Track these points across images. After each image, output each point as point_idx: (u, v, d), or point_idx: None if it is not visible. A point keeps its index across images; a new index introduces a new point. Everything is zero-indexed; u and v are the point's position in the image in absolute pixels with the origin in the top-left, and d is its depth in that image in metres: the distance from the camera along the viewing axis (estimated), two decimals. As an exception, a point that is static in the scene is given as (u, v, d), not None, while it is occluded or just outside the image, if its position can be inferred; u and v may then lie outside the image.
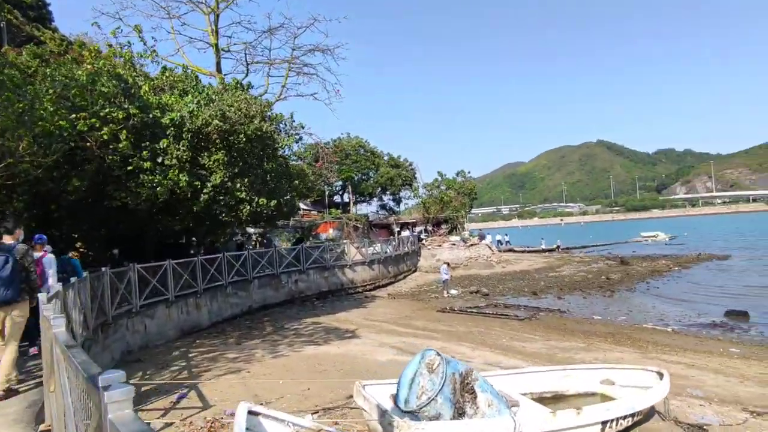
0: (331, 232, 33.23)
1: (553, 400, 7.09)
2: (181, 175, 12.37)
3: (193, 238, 19.14)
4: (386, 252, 29.59)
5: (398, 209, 44.50)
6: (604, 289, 25.69)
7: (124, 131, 11.66)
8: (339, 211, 35.66)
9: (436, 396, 5.07)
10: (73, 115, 11.28)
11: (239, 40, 27.13)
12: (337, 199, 41.67)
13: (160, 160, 12.38)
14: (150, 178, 12.02)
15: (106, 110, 11.52)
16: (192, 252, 18.63)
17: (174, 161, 12.40)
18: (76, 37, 24.98)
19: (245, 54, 25.25)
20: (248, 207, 13.85)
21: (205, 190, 13.05)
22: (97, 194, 12.99)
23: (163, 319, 14.75)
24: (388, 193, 42.70)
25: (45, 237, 8.63)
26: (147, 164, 12.11)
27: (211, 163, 13.26)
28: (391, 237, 35.51)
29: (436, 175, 43.30)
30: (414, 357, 5.65)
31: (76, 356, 2.04)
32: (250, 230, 28.74)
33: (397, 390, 5.50)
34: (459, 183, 41.78)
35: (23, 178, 10.32)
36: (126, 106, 11.87)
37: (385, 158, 42.16)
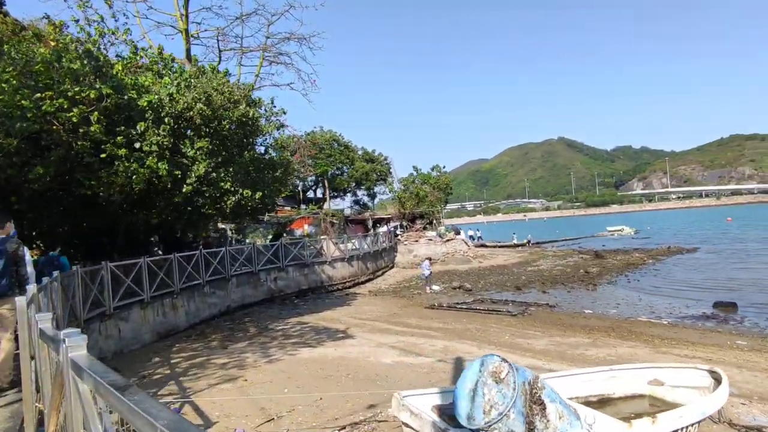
0: (306, 228, 32.12)
1: (599, 404, 6.43)
2: (160, 164, 11.18)
3: (163, 235, 17.77)
4: (365, 248, 28.71)
5: (372, 204, 43.61)
6: (585, 283, 25.56)
7: (96, 113, 10.41)
8: (316, 206, 34.48)
9: (508, 410, 4.29)
10: (38, 95, 9.96)
11: (209, 26, 25.68)
12: (309, 194, 40.42)
13: (137, 146, 11.15)
14: (126, 165, 10.79)
15: (76, 89, 10.24)
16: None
17: (153, 148, 11.20)
18: (30, 23, 23.07)
19: (217, 40, 23.84)
20: (233, 199, 12.74)
21: (188, 181, 11.88)
22: (64, 184, 11.67)
23: (138, 321, 13.51)
24: (362, 188, 41.71)
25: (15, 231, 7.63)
26: (122, 151, 10.87)
27: (193, 151, 12.10)
28: (367, 233, 34.65)
29: (408, 170, 42.68)
30: (472, 364, 4.84)
31: (157, 415, 1.15)
32: (220, 225, 27.36)
33: (455, 402, 4.69)
34: (434, 178, 41.23)
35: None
36: (98, 86, 10.61)
37: (359, 152, 41.15)
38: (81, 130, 10.32)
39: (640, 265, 32.04)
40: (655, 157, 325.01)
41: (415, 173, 41.60)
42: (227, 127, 12.84)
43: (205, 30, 24.13)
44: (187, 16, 23.24)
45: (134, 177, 10.93)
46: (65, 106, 10.15)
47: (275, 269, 21.68)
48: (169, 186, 11.59)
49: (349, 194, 41.76)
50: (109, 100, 10.74)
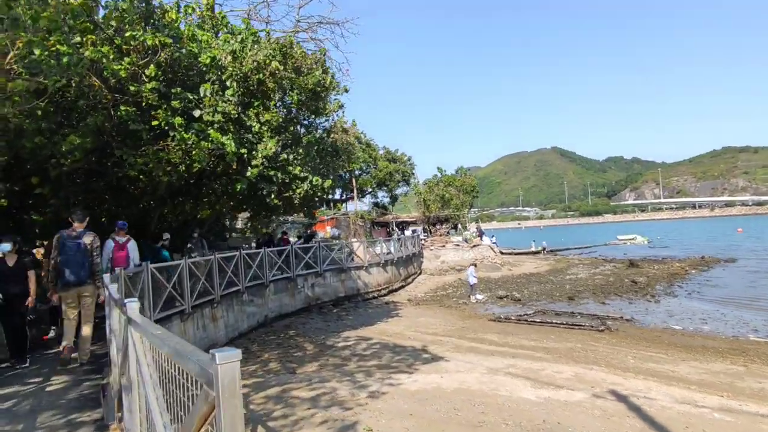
0: (328, 231, 29.60)
1: None
2: (225, 138, 8.68)
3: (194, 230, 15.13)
4: (398, 253, 26.27)
5: (391, 207, 40.89)
6: (641, 294, 23.36)
7: (152, 67, 7.91)
8: (343, 205, 31.89)
9: None
10: (77, 38, 7.45)
11: (233, 7, 23.15)
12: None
13: (196, 114, 8.65)
14: (183, 137, 8.28)
15: (126, 35, 7.75)
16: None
17: (217, 117, 8.70)
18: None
19: (248, 17, 21.26)
20: (302, 187, 10.27)
21: (254, 162, 9.39)
22: (98, 162, 9.13)
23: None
24: (384, 189, 39.02)
25: (126, 223, 8.62)
26: (177, 119, 8.37)
27: (258, 125, 9.61)
28: (390, 236, 32.22)
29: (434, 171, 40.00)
30: None
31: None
32: (239, 224, 24.68)
33: None
34: (459, 180, 38.82)
35: None
36: (150, 33, 8.12)
37: (381, 152, 38.38)
38: (132, 87, 7.80)
39: (685, 276, 29.93)
40: (647, 168, 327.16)
41: (439, 174, 39.23)
42: (296, 98, 10.38)
43: (231, 11, 21.58)
44: (214, -9, 20.74)
45: (194, 153, 8.41)
46: (111, 56, 7.64)
47: (312, 275, 19.17)
48: (234, 167, 9.08)
49: (369, 195, 39.18)
50: (163, 53, 8.25)
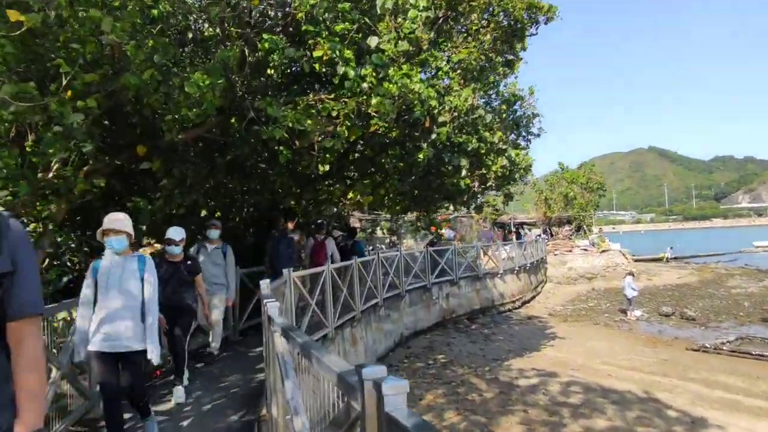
0: (445, 233, 26.24)
1: None
2: (415, 80, 5.56)
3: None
4: (531, 258, 22.52)
5: (503, 207, 36.79)
6: None
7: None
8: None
9: None
10: None
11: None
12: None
13: (372, 42, 5.61)
14: (363, 74, 5.26)
15: None
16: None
17: (402, 47, 5.62)
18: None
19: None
20: (500, 160, 7.06)
21: (441, 119, 6.24)
22: (224, 126, 6.36)
23: (322, 370, 8.03)
24: (495, 187, 35.01)
25: (324, 221, 9.21)
26: (347, 52, 5.37)
27: (447, 67, 6.46)
28: (510, 238, 28.35)
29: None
30: None
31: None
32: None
33: None
34: (584, 176, 34.15)
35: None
36: None
37: (495, 145, 34.30)
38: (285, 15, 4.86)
39: None
40: (763, 167, 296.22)
41: (560, 170, 34.76)
42: (490, 38, 7.13)
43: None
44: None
45: (374, 102, 5.35)
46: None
47: (447, 283, 15.92)
48: (426, 125, 5.96)
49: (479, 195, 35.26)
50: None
